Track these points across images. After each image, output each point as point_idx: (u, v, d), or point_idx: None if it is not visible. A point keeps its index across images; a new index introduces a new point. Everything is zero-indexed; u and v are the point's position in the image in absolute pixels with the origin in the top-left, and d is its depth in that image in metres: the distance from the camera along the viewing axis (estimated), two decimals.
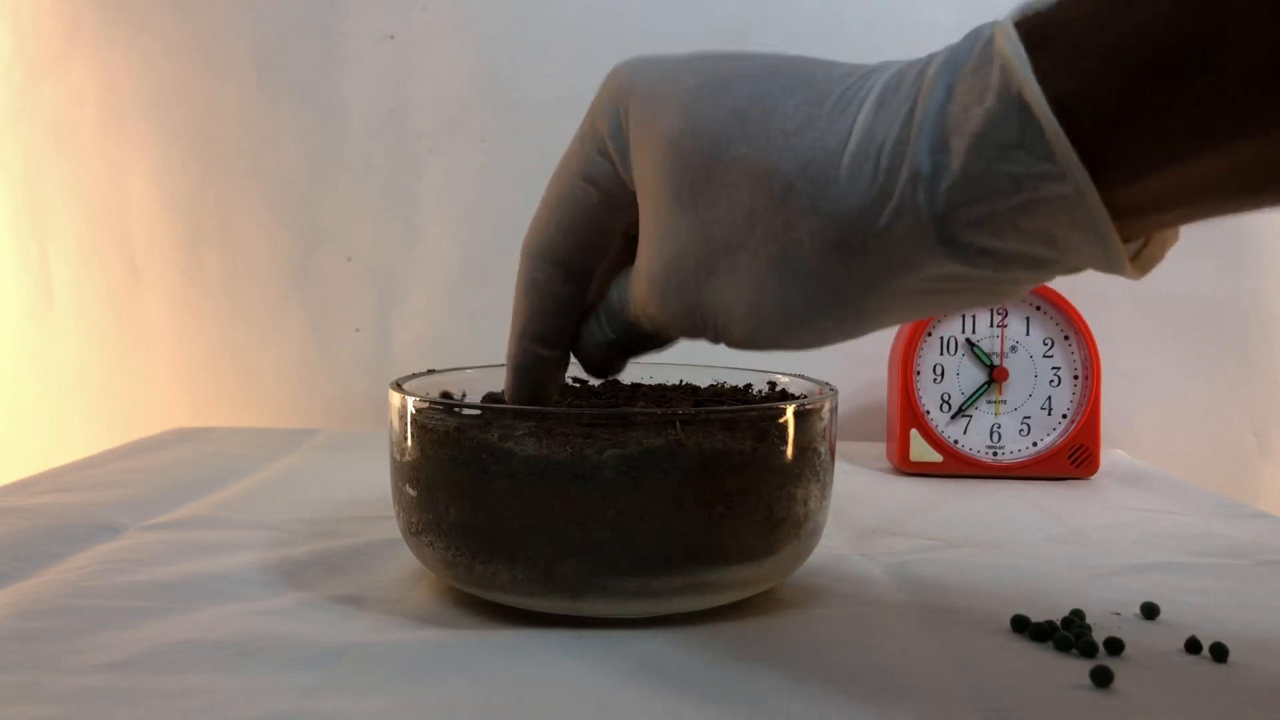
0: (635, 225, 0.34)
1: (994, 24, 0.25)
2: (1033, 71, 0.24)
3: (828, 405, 0.38)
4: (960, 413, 0.65)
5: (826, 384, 0.41)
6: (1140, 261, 0.27)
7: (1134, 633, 0.36)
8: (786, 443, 0.36)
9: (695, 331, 0.32)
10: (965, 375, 0.65)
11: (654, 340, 0.35)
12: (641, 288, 0.33)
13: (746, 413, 0.35)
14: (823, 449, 0.38)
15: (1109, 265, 0.26)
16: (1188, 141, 0.23)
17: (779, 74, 0.30)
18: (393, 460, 0.38)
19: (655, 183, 0.31)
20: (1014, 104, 0.24)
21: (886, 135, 0.26)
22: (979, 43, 0.25)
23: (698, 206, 0.30)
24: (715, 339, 0.32)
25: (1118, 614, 0.38)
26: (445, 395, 0.43)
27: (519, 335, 0.36)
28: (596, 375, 0.37)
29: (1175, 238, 0.27)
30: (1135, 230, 0.26)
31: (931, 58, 0.27)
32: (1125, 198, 0.24)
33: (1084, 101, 0.23)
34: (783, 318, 0.29)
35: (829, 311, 0.29)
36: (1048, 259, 0.26)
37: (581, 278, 0.35)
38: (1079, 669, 0.32)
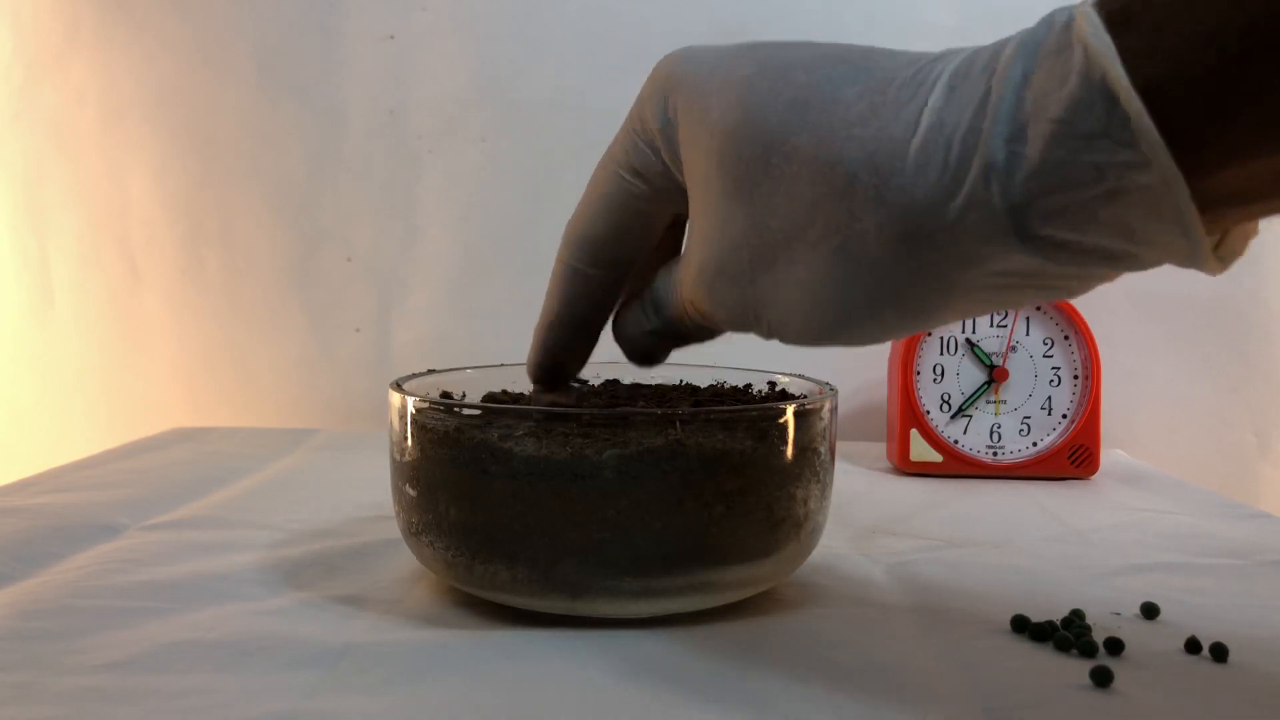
0: (683, 216, 0.33)
1: (1072, 7, 0.24)
2: (1117, 54, 0.22)
3: (828, 405, 0.38)
4: (960, 413, 0.65)
5: (826, 384, 0.41)
6: (1222, 253, 0.26)
7: (1134, 633, 0.36)
8: (786, 443, 0.36)
9: (745, 326, 0.32)
10: (965, 375, 0.65)
11: (699, 333, 0.35)
12: (691, 279, 0.32)
13: (746, 413, 0.35)
14: (823, 449, 0.38)
15: (1191, 259, 0.25)
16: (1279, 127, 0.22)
17: (839, 62, 0.29)
18: (393, 460, 0.38)
19: (709, 174, 0.30)
20: (1098, 89, 0.23)
21: (958, 123, 0.25)
22: (1056, 26, 0.24)
23: (754, 198, 0.29)
24: (767, 335, 0.31)
25: (1118, 614, 0.38)
26: (445, 395, 0.43)
27: (552, 321, 0.36)
28: (640, 364, 0.37)
29: (1255, 230, 0.26)
30: (1219, 221, 0.25)
31: (1005, 42, 0.26)
32: (1211, 188, 0.23)
33: (1171, 86, 0.22)
34: (842, 313, 0.28)
35: (891, 307, 0.28)
36: (1124, 252, 0.25)
37: (621, 269, 0.35)
38: (1079, 669, 0.32)
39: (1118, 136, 0.23)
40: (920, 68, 0.27)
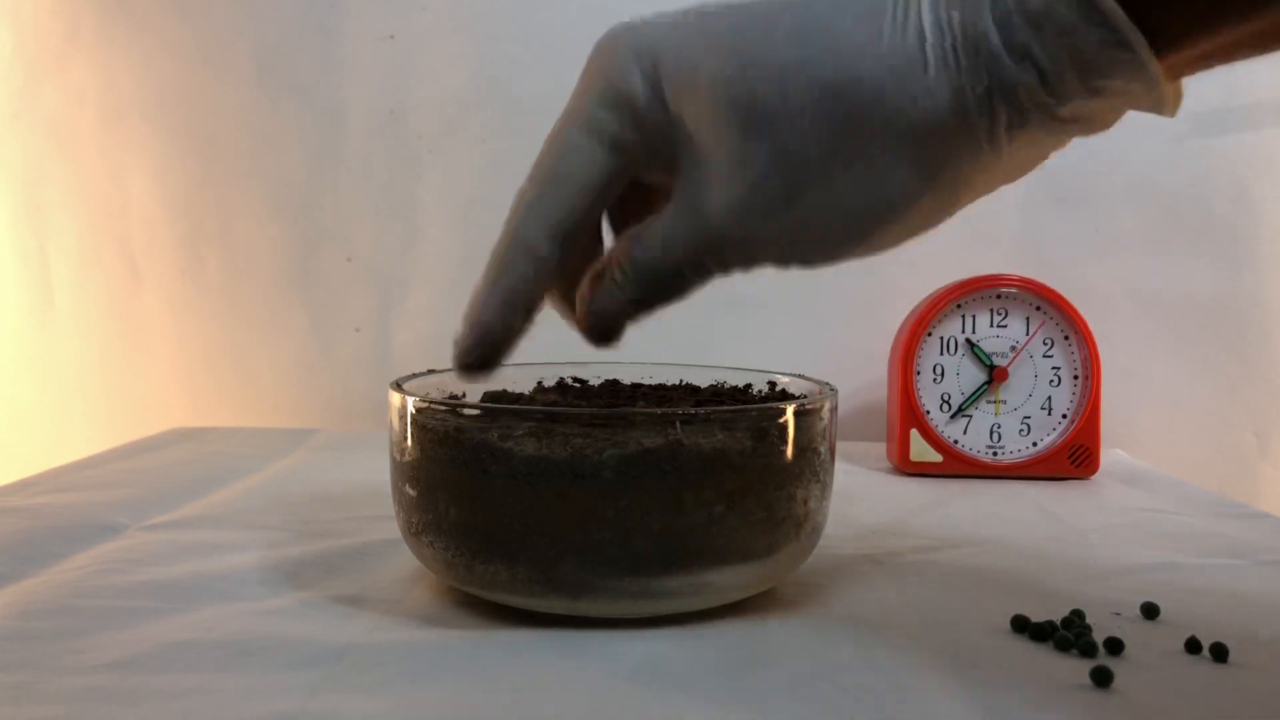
0: (634, 185, 0.35)
1: None
2: None
3: (828, 405, 0.38)
4: (960, 413, 0.65)
5: (826, 384, 0.41)
6: (1173, 98, 0.30)
7: (1134, 633, 0.36)
8: (786, 443, 0.36)
9: (770, 256, 0.33)
10: (965, 375, 0.65)
11: (682, 288, 0.36)
12: (716, 222, 0.33)
13: (746, 413, 0.35)
14: (823, 449, 0.38)
15: (1153, 107, 0.30)
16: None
17: (813, 1, 0.32)
18: (393, 460, 0.38)
19: (716, 122, 0.32)
20: None
21: (958, 28, 0.29)
22: None
23: (777, 132, 0.31)
24: (796, 259, 0.33)
25: (1118, 614, 0.38)
26: (450, 397, 0.43)
27: (502, 299, 0.36)
28: (601, 342, 0.37)
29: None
30: (1178, 72, 0.30)
31: None
32: (1174, 55, 0.28)
33: None
34: (881, 215, 0.32)
35: (926, 199, 0.31)
36: (1104, 111, 0.30)
37: (570, 245, 0.36)
38: (1079, 669, 0.32)
39: (1096, 23, 0.28)
40: None
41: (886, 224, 0.32)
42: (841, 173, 0.31)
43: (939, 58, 0.30)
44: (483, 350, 0.36)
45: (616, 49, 0.34)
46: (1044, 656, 0.34)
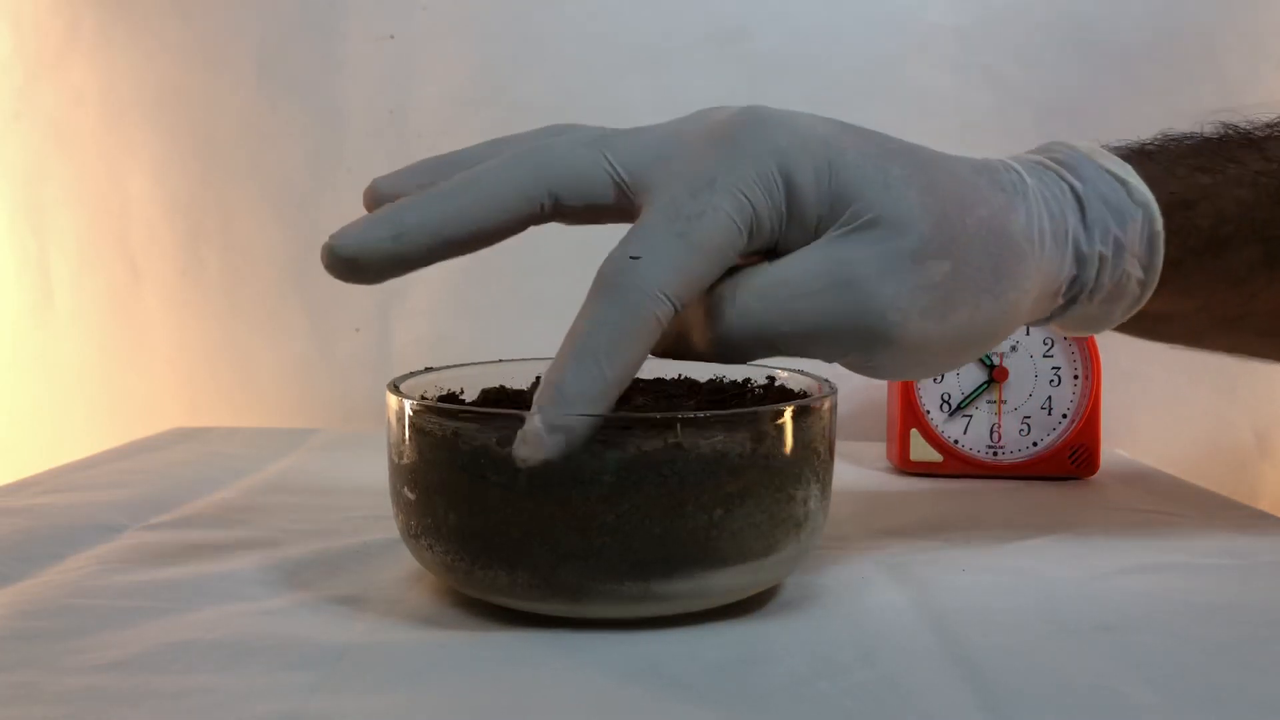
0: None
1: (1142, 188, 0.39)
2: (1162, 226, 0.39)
3: (828, 404, 0.38)
4: (960, 412, 0.65)
5: (826, 381, 0.41)
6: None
7: (1134, 632, 0.36)
8: (786, 443, 0.36)
9: (876, 355, 0.37)
10: (965, 375, 0.65)
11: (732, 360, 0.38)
12: (875, 304, 0.35)
13: (746, 414, 0.35)
14: (823, 449, 0.38)
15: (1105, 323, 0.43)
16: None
17: (946, 158, 0.38)
18: (391, 463, 0.38)
19: (902, 223, 0.35)
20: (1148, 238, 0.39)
21: (1063, 216, 0.38)
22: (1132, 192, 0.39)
23: (956, 250, 0.35)
24: (889, 363, 0.37)
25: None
26: (447, 396, 0.43)
27: (618, 379, 0.33)
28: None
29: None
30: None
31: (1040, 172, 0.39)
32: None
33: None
34: (985, 342, 0.38)
35: (1005, 335, 0.38)
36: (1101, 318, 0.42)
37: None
38: (1080, 668, 0.32)
39: (1145, 262, 0.40)
40: (987, 165, 0.39)
41: (983, 348, 0.38)
42: (987, 303, 0.36)
43: (1055, 235, 0.38)
44: (566, 443, 0.32)
45: (781, 133, 0.35)
46: (1045, 656, 0.34)
